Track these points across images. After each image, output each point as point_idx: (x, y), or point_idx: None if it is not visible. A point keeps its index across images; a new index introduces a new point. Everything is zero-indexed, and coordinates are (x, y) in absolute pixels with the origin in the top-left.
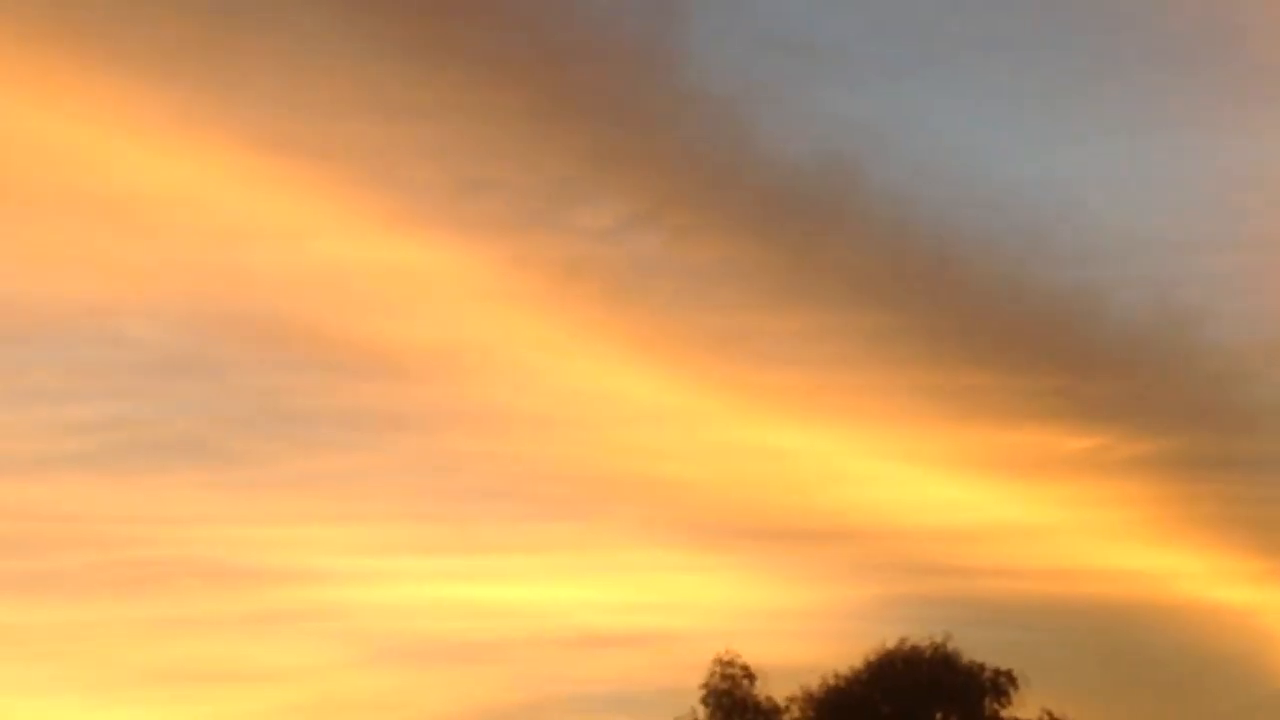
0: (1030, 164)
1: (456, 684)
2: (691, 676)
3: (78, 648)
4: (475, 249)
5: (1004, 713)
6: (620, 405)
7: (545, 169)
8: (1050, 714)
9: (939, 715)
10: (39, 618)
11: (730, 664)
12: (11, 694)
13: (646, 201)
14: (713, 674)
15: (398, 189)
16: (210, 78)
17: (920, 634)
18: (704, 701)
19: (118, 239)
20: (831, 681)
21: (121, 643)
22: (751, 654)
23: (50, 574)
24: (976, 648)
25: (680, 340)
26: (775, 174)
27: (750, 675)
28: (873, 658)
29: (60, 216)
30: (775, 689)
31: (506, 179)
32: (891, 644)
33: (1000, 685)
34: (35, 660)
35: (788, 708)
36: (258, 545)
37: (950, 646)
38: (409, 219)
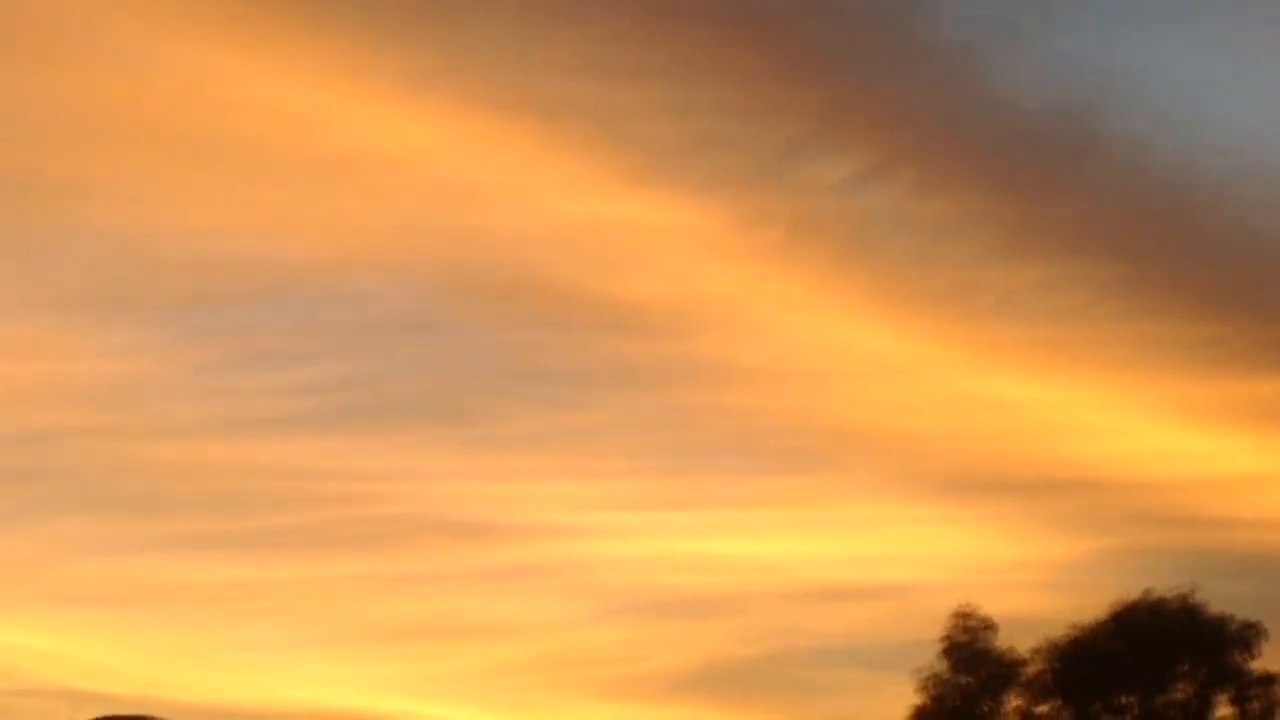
0: (1270, 111)
1: (693, 638)
2: (930, 629)
3: (314, 604)
4: (709, 205)
5: (1251, 665)
6: (854, 359)
7: (778, 125)
8: None
9: (1185, 667)
10: (275, 575)
11: (969, 616)
12: (249, 650)
13: (879, 155)
14: (952, 627)
15: (632, 147)
16: (445, 39)
17: (1163, 585)
18: (943, 654)
19: (352, 200)
20: (1074, 634)
21: (358, 599)
22: (991, 606)
23: (287, 532)
24: (1222, 600)
25: (914, 293)
26: (1009, 124)
27: (990, 627)
28: (1116, 609)
29: (295, 179)
30: (1016, 641)
31: (740, 135)
32: (1134, 595)
33: (1247, 638)
34: (272, 617)
35: (1030, 660)
36: (493, 501)
37: (1196, 598)
38: (643, 177)
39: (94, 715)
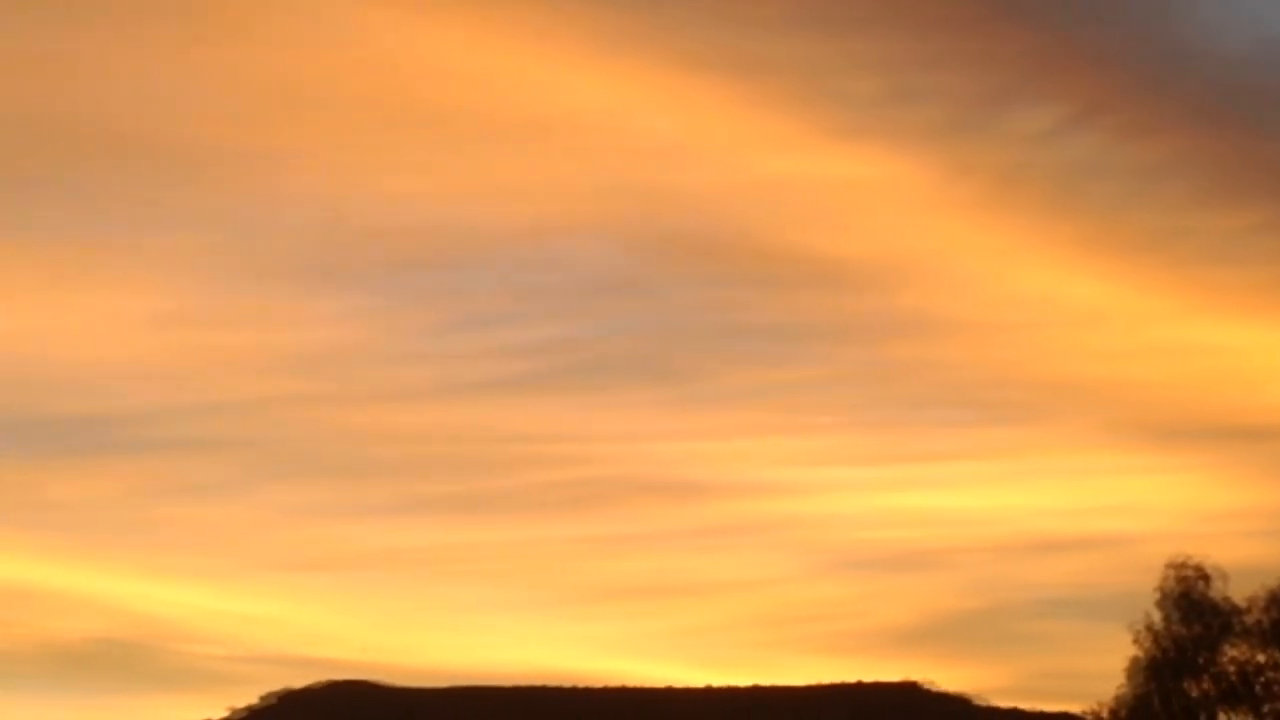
0: None
1: (909, 592)
2: (1146, 580)
3: (530, 567)
4: (912, 158)
5: None
6: (1064, 308)
7: (981, 76)
8: None
9: None
10: (490, 537)
11: (1185, 566)
12: (466, 613)
13: (1083, 102)
14: (1167, 577)
15: (834, 102)
16: None
17: None
18: (1160, 605)
19: (554, 163)
20: None
21: (572, 560)
22: (1207, 555)
23: (499, 494)
24: None
25: (1122, 241)
26: (1215, 67)
27: (1206, 577)
28: None
29: (496, 143)
30: (1233, 590)
31: (942, 87)
32: None
33: None
34: (489, 580)
35: (1248, 608)
36: (704, 460)
37: None
38: (846, 131)
39: (315, 680)
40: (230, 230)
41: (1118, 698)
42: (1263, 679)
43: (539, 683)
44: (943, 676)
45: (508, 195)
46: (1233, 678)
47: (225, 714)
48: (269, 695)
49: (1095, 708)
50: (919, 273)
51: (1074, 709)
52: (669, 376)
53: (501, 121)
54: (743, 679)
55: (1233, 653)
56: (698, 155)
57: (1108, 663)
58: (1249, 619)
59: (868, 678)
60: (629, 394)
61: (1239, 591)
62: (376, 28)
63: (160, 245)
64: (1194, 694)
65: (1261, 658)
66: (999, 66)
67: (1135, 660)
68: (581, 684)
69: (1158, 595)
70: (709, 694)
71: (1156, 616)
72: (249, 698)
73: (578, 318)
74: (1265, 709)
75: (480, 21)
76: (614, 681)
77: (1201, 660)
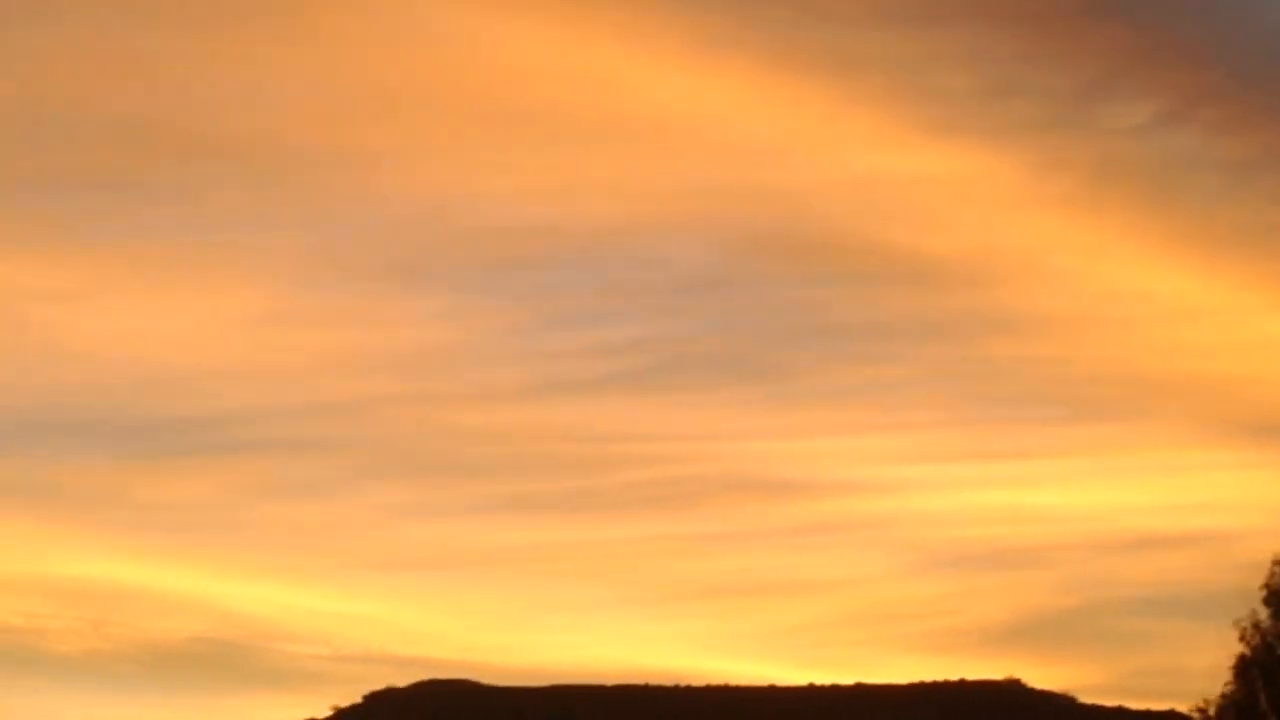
0: None
1: (1006, 589)
2: (1250, 576)
3: (624, 564)
4: (1006, 154)
5: None
6: (1160, 304)
7: (1075, 70)
8: None
9: None
10: (586, 536)
11: None
12: (564, 612)
13: (1177, 98)
14: (1273, 574)
15: (927, 98)
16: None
17: None
18: (1266, 602)
19: (648, 163)
20: None
21: (668, 559)
22: None
23: (595, 493)
24: None
25: (1219, 236)
26: None
27: None
28: None
29: (588, 143)
30: None
31: (1036, 82)
32: None
33: None
34: (585, 579)
35: None
36: (799, 458)
37: None
38: (939, 127)
39: (415, 679)
40: (328, 231)
41: (1224, 695)
42: None
43: (636, 681)
44: (1041, 675)
45: (602, 195)
46: None
47: (328, 713)
48: (370, 694)
49: (1202, 705)
50: (1012, 269)
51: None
52: (762, 375)
53: (595, 121)
54: (839, 677)
55: None
56: (790, 153)
57: (1212, 661)
58: None
59: (965, 676)
60: (723, 392)
61: None
62: (472, 30)
63: (258, 247)
64: None
65: None
66: (1093, 62)
67: (1241, 658)
68: (679, 682)
69: (1264, 592)
70: (806, 692)
71: (1263, 614)
72: (350, 697)
73: (671, 316)
74: None
75: (574, 22)
76: (711, 680)
77: None
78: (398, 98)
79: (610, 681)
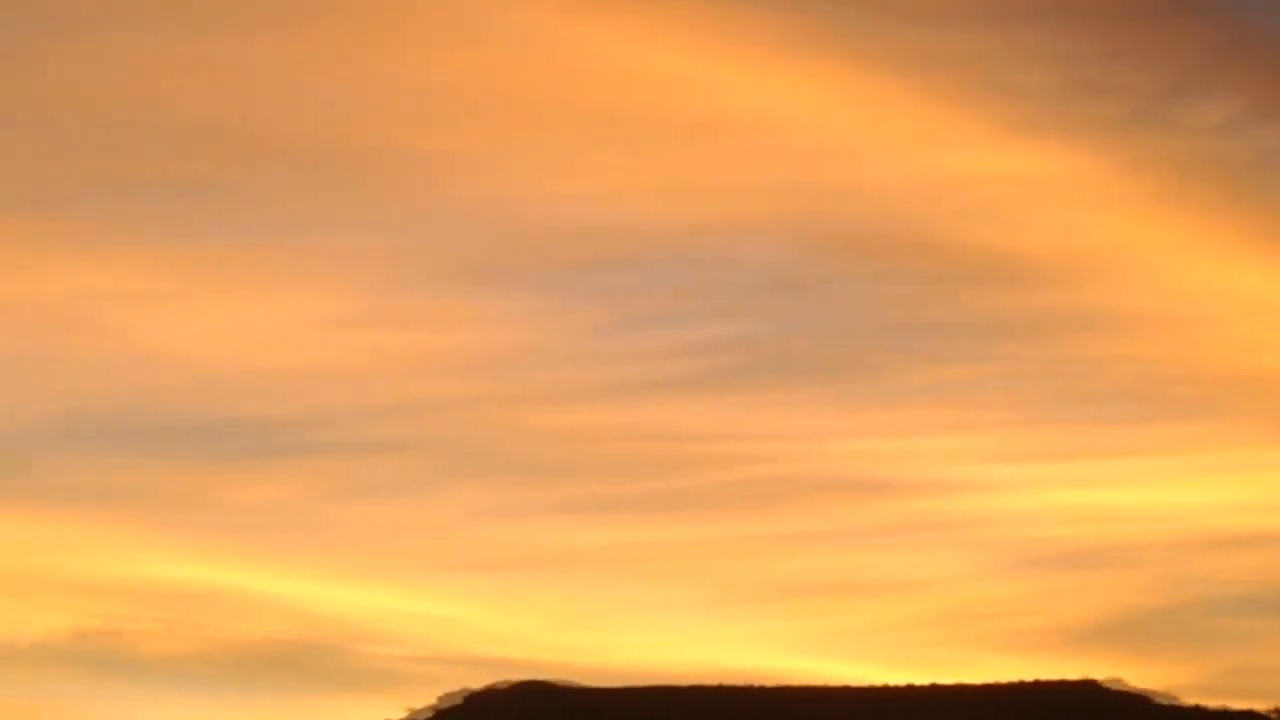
0: None
1: (1088, 589)
2: None
3: (706, 566)
4: (1089, 153)
5: None
6: (1242, 302)
7: (1157, 69)
8: None
9: None
10: (666, 537)
11: None
12: (642, 613)
13: (1261, 95)
14: None
15: (1008, 96)
16: None
17: None
18: None
19: (725, 162)
20: None
21: (749, 559)
22: None
23: (675, 494)
24: None
25: None
26: None
27: None
28: None
29: (667, 143)
30: None
31: (1119, 81)
32: None
33: None
34: (665, 579)
35: None
36: (879, 458)
37: None
38: (1019, 126)
39: (489, 681)
40: (404, 233)
41: None
42: None
43: (716, 682)
44: (1124, 674)
45: (678, 195)
46: None
47: (404, 714)
48: (447, 696)
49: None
50: (1094, 268)
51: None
52: (842, 374)
53: (671, 121)
54: (921, 677)
55: None
56: (870, 152)
57: None
58: None
59: (1046, 676)
60: (801, 392)
61: None
62: (546, 31)
63: (335, 248)
64: None
65: None
66: (1176, 60)
67: None
68: (759, 683)
69: None
70: (887, 692)
71: None
72: (428, 698)
73: (749, 316)
74: None
75: (649, 22)
76: (790, 680)
77: None
78: (474, 99)
79: (691, 682)
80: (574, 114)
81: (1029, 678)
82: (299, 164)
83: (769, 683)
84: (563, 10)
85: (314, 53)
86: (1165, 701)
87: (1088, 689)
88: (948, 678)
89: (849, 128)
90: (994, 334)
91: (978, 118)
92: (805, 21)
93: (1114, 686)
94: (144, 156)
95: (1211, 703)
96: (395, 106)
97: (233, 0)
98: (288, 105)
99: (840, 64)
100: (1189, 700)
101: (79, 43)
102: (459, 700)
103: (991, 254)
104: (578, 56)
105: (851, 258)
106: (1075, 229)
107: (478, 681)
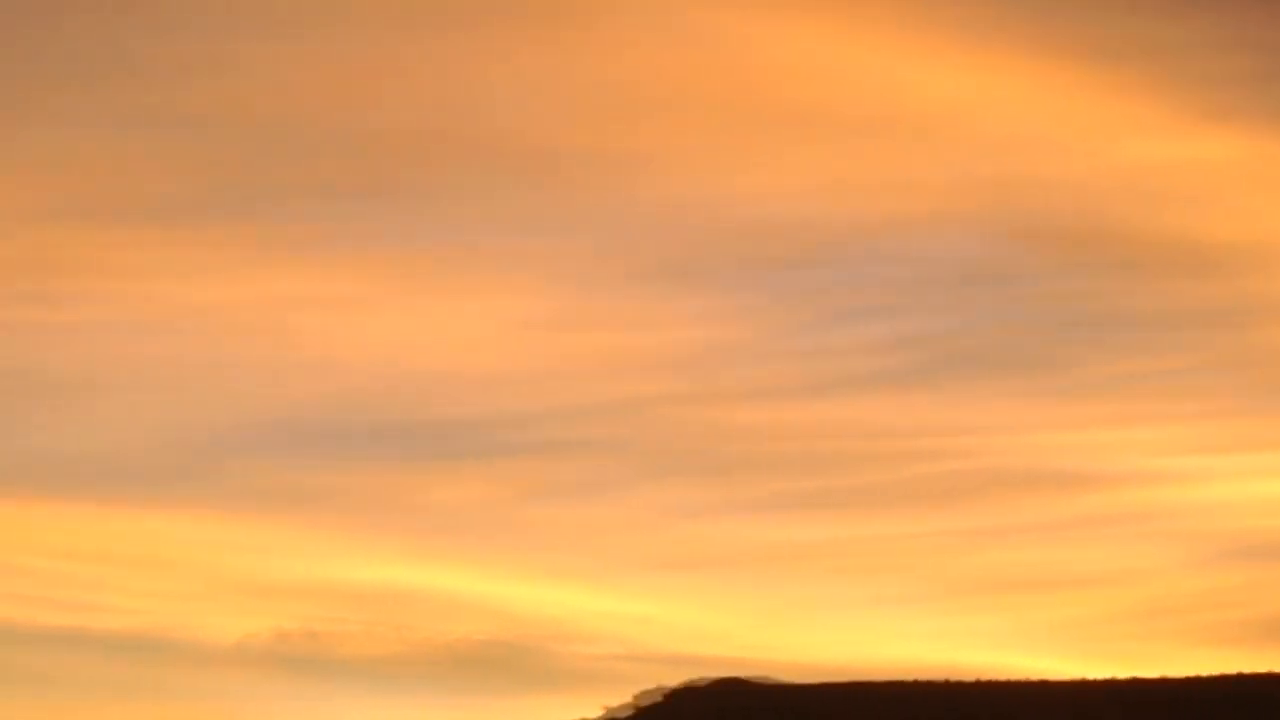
0: None
1: None
2: None
3: (903, 560)
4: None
5: None
6: None
7: None
8: None
9: None
10: (864, 532)
11: None
12: (842, 609)
13: None
14: None
15: (1200, 84)
16: None
17: None
18: None
19: (918, 156)
20: None
21: (946, 553)
22: None
23: (872, 489)
24: None
25: None
26: None
27: None
28: None
29: (859, 136)
30: None
31: None
32: None
33: None
34: (864, 575)
35: None
36: (1077, 450)
37: None
38: (1214, 113)
39: (684, 679)
40: (598, 233)
41: None
42: None
43: (916, 677)
44: None
45: (872, 190)
46: None
47: (601, 713)
48: (644, 694)
49: None
50: None
51: None
52: (1039, 367)
53: (864, 116)
54: (1122, 671)
55: None
56: (1062, 143)
57: None
58: None
59: (1250, 669)
60: (999, 385)
61: None
62: (737, 28)
63: (528, 250)
64: None
65: None
66: None
67: None
68: (960, 678)
69: None
70: (1088, 687)
71: None
72: (624, 696)
73: (945, 311)
74: None
75: (838, 17)
76: (993, 675)
77: None
78: (666, 98)
79: (891, 678)
80: (767, 111)
81: (1232, 671)
82: (491, 166)
83: (969, 678)
84: (754, 7)
85: (507, 54)
86: None
87: None
88: (1149, 672)
89: (1039, 119)
90: (1188, 323)
91: (1168, 105)
92: (994, 13)
93: None
94: (334, 162)
95: None
96: (589, 106)
97: (427, 2)
98: (480, 107)
99: (1030, 55)
100: None
101: (272, 47)
102: (659, 698)
103: (1185, 243)
104: (770, 53)
105: (1044, 250)
106: (1271, 216)
107: (673, 679)
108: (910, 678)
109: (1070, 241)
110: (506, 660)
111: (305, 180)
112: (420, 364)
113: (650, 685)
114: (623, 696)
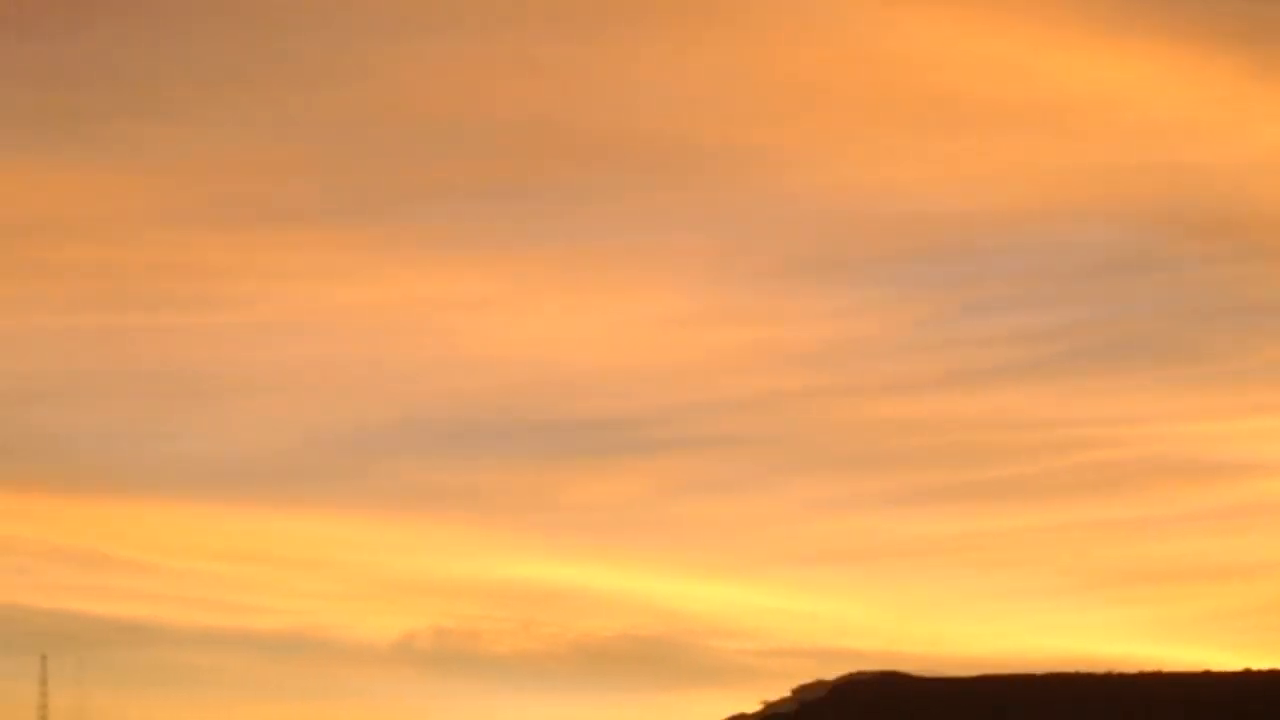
0: None
1: None
2: None
3: (1052, 552)
4: None
5: None
6: None
7: None
8: None
9: None
10: (1012, 524)
11: None
12: (990, 601)
13: None
14: None
15: None
16: None
17: None
18: None
19: (1061, 145)
20: None
21: (1095, 545)
22: None
23: (1019, 481)
24: None
25: None
26: None
27: None
28: None
29: (999, 127)
30: None
31: None
32: None
33: None
34: (1012, 567)
35: None
36: (1224, 439)
37: None
38: None
39: (841, 672)
40: (740, 229)
41: None
42: None
43: (1069, 669)
44: None
45: (1012, 180)
46: None
47: (759, 707)
48: (803, 688)
49: None
50: None
51: None
52: (1187, 355)
53: (1004, 106)
54: (1275, 662)
55: None
56: (1208, 130)
57: None
58: None
59: None
60: (1145, 375)
61: None
62: (876, 21)
63: (671, 246)
64: None
65: None
66: None
67: None
68: (1113, 669)
69: None
70: (1246, 677)
71: None
72: (781, 691)
73: (1089, 300)
74: None
75: (979, 9)
76: (1147, 666)
77: None
78: (804, 92)
79: (1041, 670)
80: (907, 103)
81: None
82: (633, 164)
83: (1122, 669)
84: (895, 2)
85: (648, 52)
86: None
87: None
88: None
89: (1186, 106)
90: None
91: None
92: (1134, 2)
93: None
94: (472, 162)
95: None
96: (729, 102)
97: (570, 4)
98: (618, 105)
99: (1175, 42)
100: None
101: (412, 48)
102: (821, 692)
103: None
104: (910, 46)
105: (1190, 237)
106: None
107: (829, 674)
108: (1071, 669)
109: (1216, 229)
110: (661, 656)
111: (451, 179)
112: (564, 362)
113: (805, 680)
114: (781, 691)
